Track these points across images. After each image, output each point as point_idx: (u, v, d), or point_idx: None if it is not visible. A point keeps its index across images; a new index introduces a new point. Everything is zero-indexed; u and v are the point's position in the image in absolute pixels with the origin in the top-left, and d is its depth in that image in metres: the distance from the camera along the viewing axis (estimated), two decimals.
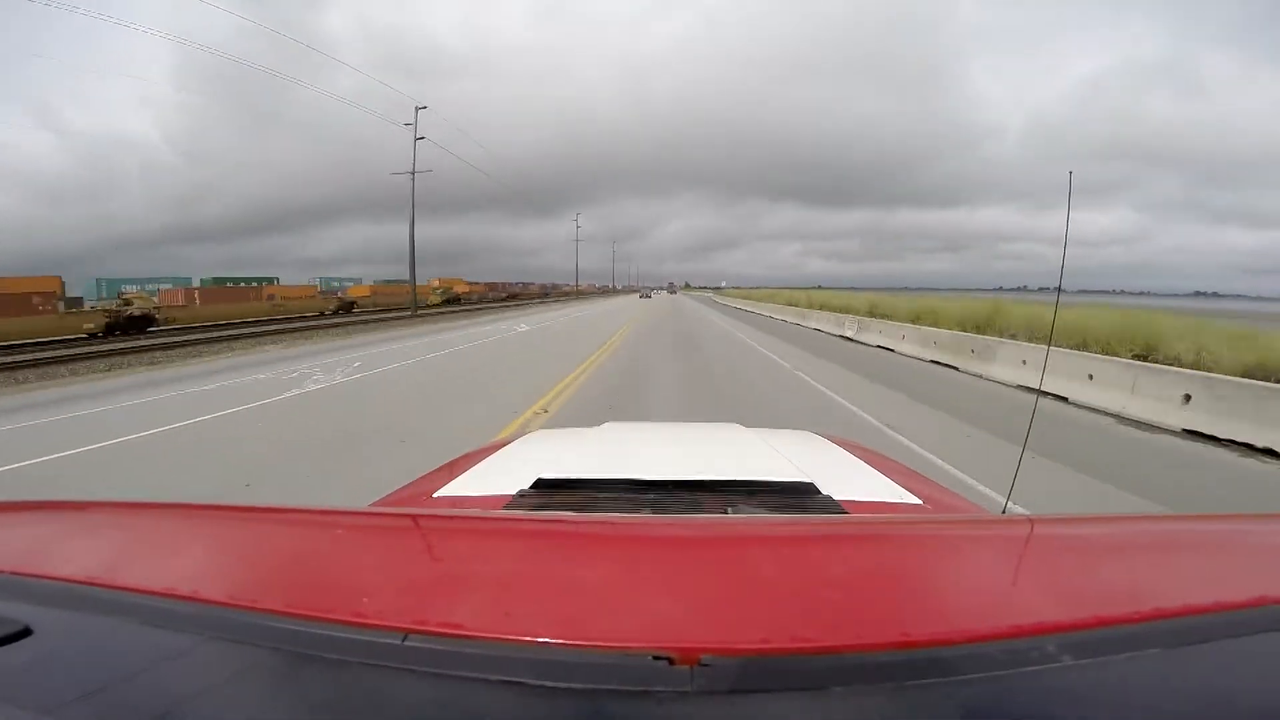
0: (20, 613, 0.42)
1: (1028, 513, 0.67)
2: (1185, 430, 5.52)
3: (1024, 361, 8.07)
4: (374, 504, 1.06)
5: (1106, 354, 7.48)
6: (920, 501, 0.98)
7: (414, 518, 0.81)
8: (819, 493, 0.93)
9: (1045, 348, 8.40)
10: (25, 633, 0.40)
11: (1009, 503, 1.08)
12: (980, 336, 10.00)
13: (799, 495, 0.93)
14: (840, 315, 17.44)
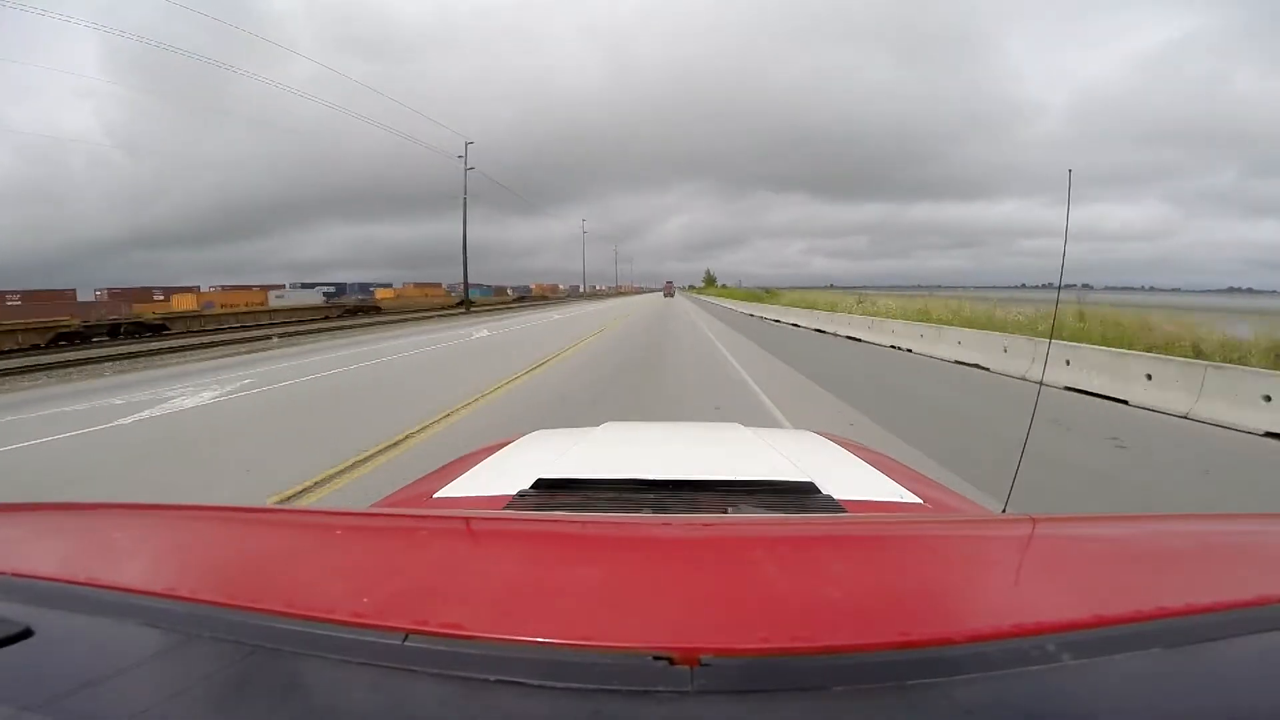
0: (20, 613, 0.42)
1: (1028, 513, 0.66)
2: None
3: None
4: (374, 505, 1.08)
5: None
6: (921, 501, 0.97)
7: (414, 518, 0.82)
8: (819, 492, 0.92)
9: None
10: (26, 633, 0.40)
11: (1009, 502, 1.06)
12: None
13: (799, 495, 0.92)
14: None
